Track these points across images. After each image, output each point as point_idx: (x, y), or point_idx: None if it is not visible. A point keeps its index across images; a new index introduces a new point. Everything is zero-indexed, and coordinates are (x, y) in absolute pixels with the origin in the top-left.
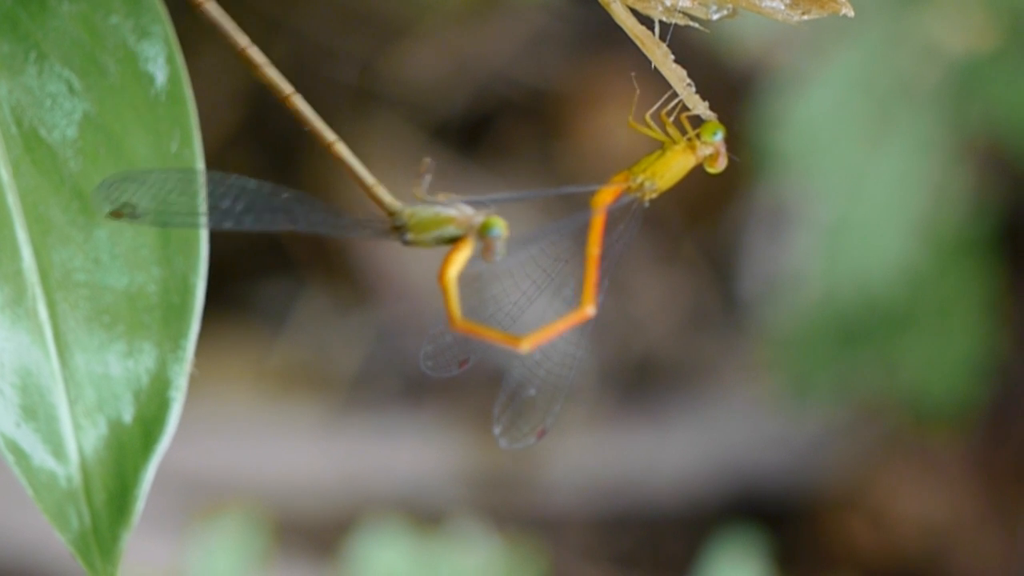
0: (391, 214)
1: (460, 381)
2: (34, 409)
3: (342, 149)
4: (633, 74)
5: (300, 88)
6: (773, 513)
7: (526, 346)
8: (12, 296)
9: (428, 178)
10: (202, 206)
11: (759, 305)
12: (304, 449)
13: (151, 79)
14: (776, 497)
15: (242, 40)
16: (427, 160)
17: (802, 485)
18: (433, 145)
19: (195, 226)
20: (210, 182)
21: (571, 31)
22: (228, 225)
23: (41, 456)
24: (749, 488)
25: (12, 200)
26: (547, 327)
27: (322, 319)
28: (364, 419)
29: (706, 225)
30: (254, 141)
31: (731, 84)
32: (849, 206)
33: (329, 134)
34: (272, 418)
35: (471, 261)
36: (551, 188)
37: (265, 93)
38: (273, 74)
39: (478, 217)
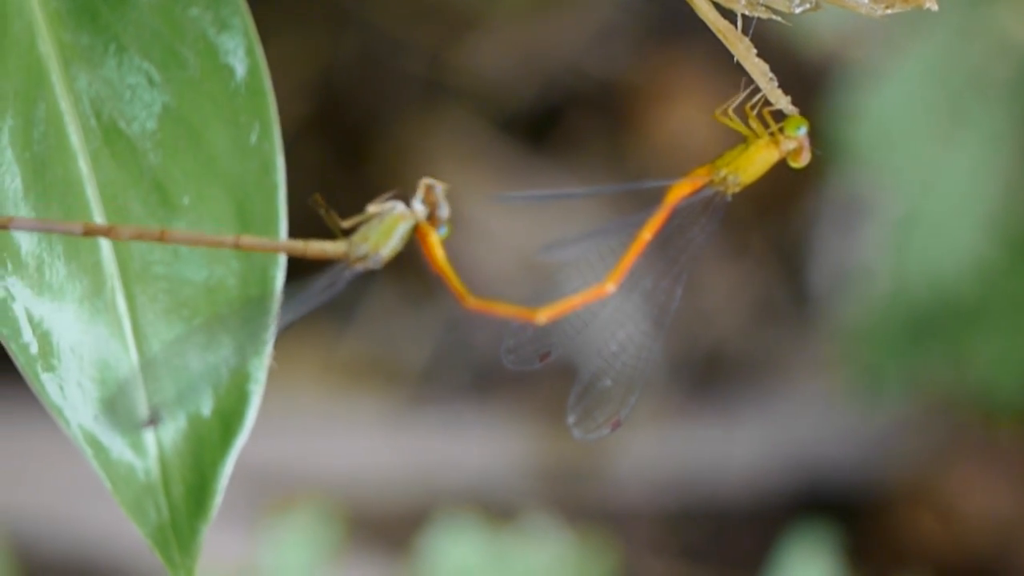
0: (346, 254)
1: (529, 374)
2: None
3: (249, 240)
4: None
5: (369, 80)
6: (841, 508)
7: (543, 317)
8: (91, 288)
9: (324, 210)
10: (206, 365)
11: (829, 299)
12: (373, 443)
13: (231, 72)
14: (845, 492)
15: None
16: (318, 196)
17: (871, 480)
18: (502, 138)
19: (205, 394)
20: (193, 347)
21: (639, 23)
22: (236, 364)
23: (119, 449)
24: (817, 482)
25: (91, 192)
26: (564, 300)
27: (391, 312)
28: (433, 412)
29: (776, 218)
30: (323, 133)
31: (805, 77)
32: (921, 200)
33: (228, 239)
34: (340, 411)
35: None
36: (623, 183)
37: (335, 84)
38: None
39: (415, 201)
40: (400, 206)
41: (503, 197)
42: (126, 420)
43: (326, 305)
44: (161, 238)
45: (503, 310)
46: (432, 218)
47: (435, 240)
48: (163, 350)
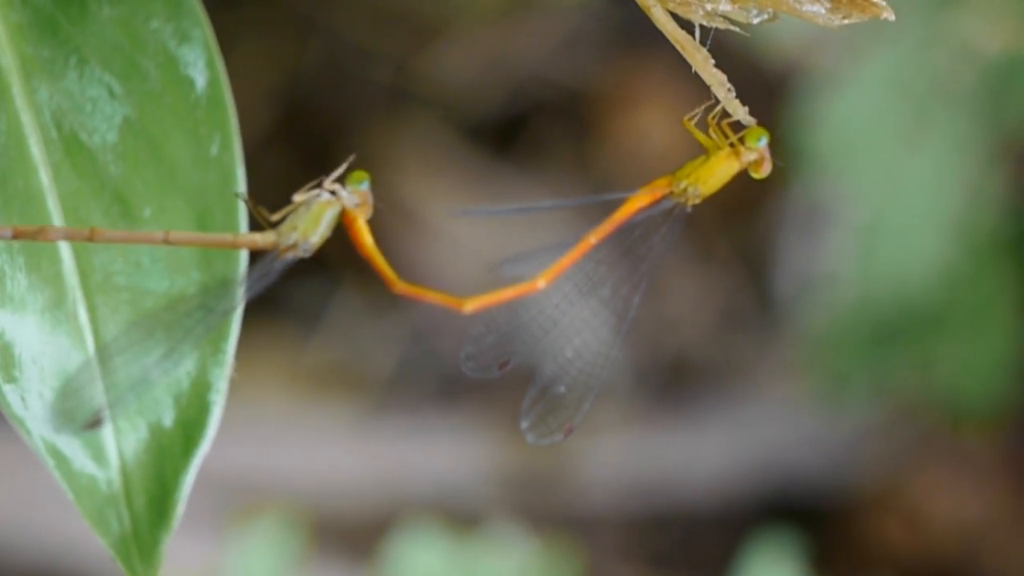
0: (275, 244)
1: (494, 382)
2: None
3: (177, 236)
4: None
5: (335, 87)
6: (808, 513)
7: (469, 307)
8: (52, 299)
9: (251, 204)
10: (149, 361)
11: (794, 305)
12: (338, 450)
13: (191, 83)
14: (811, 497)
15: None
16: (241, 192)
17: (837, 485)
18: (468, 145)
19: (153, 382)
20: (128, 348)
21: (606, 31)
22: (174, 366)
23: (81, 460)
24: (784, 488)
25: (52, 204)
26: (493, 292)
27: (356, 319)
28: (399, 420)
29: (741, 224)
30: (288, 140)
31: (766, 85)
32: (885, 206)
33: (158, 235)
34: (306, 419)
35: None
36: (587, 192)
37: (301, 92)
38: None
39: (340, 188)
40: (325, 194)
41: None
42: (70, 422)
43: (292, 312)
44: (91, 237)
45: (431, 296)
46: (363, 203)
47: (362, 225)
48: (100, 351)
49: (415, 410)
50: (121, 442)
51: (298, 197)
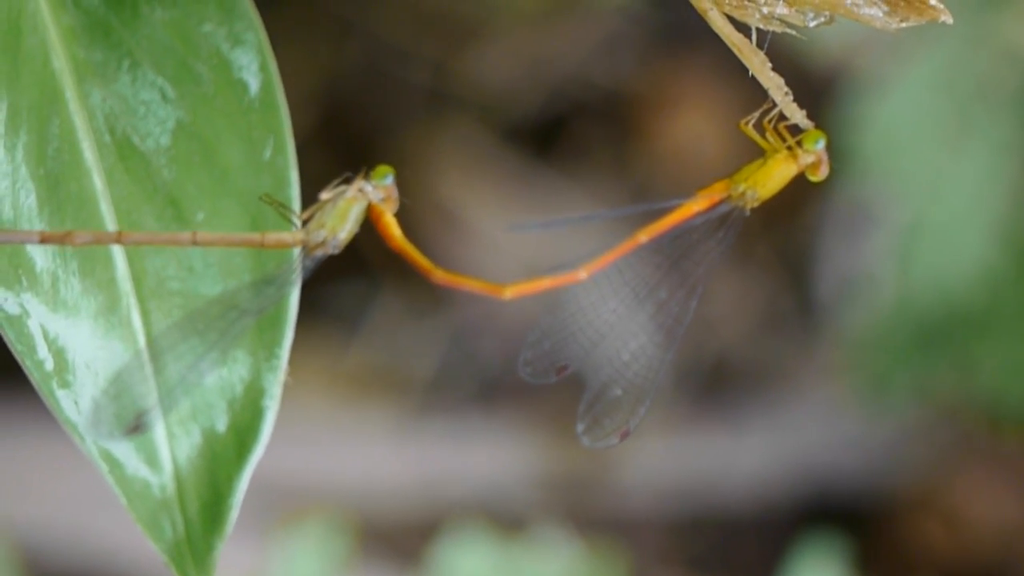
0: (304, 241)
1: (535, 384)
2: None
3: (205, 236)
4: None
5: (373, 89)
6: (848, 516)
7: (508, 294)
8: (106, 304)
9: (276, 205)
10: (183, 366)
11: (835, 307)
12: (381, 453)
13: (245, 87)
14: (851, 500)
15: None
16: (267, 194)
17: (877, 487)
18: (506, 147)
19: (194, 384)
20: (167, 352)
21: (645, 33)
22: (212, 363)
23: (135, 465)
24: (824, 491)
25: (106, 208)
26: (534, 280)
27: (397, 322)
28: (440, 423)
29: (782, 226)
30: (328, 144)
31: (812, 86)
32: (927, 208)
33: (184, 236)
34: (348, 423)
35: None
36: (626, 196)
37: (339, 94)
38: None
39: (364, 183)
40: (350, 190)
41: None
42: (111, 426)
43: (333, 316)
44: (118, 240)
45: (469, 284)
46: (387, 199)
47: (390, 219)
48: (139, 355)
49: (457, 413)
50: (175, 447)
51: (324, 195)
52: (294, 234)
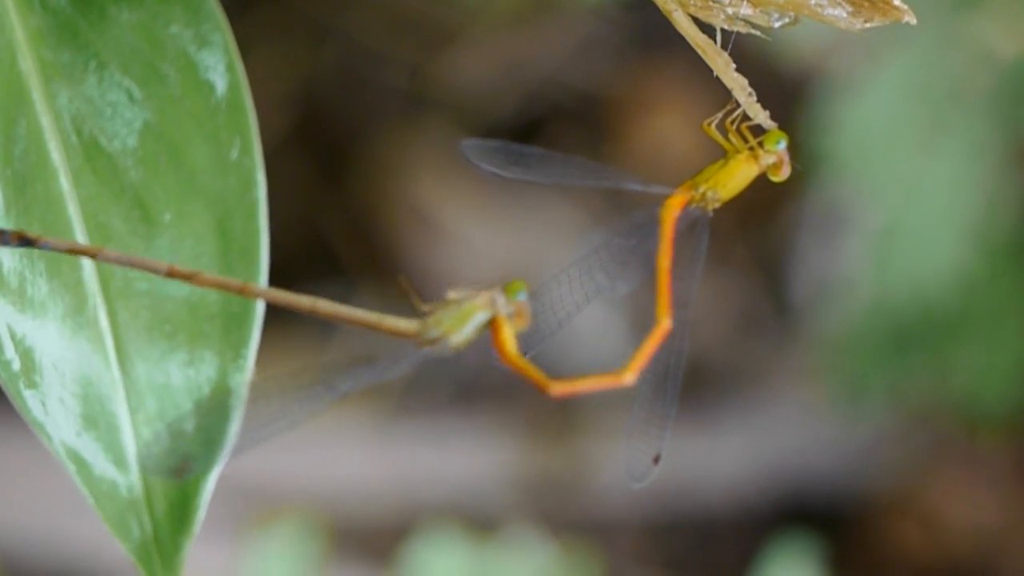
0: (416, 334)
1: (511, 386)
2: (95, 418)
3: (327, 305)
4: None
5: (350, 92)
6: (824, 517)
7: (629, 377)
8: (73, 305)
9: (408, 287)
10: (250, 426)
11: (811, 309)
12: (356, 455)
13: (211, 88)
14: (828, 501)
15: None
16: (402, 276)
17: (854, 489)
18: None
19: (252, 446)
20: (248, 403)
21: (621, 35)
22: (285, 427)
23: (102, 465)
24: (800, 492)
25: (73, 209)
26: (637, 352)
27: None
28: (416, 425)
29: (757, 229)
30: (303, 147)
31: (784, 88)
32: (902, 210)
33: (305, 301)
34: (323, 424)
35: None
36: (602, 196)
37: (315, 97)
38: (216, 280)
39: (496, 292)
40: (481, 297)
41: (485, 168)
42: (160, 466)
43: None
44: (243, 291)
45: (589, 385)
46: (518, 314)
47: (509, 335)
48: (203, 404)
49: (433, 415)
50: (142, 448)
51: (452, 294)
52: (410, 324)
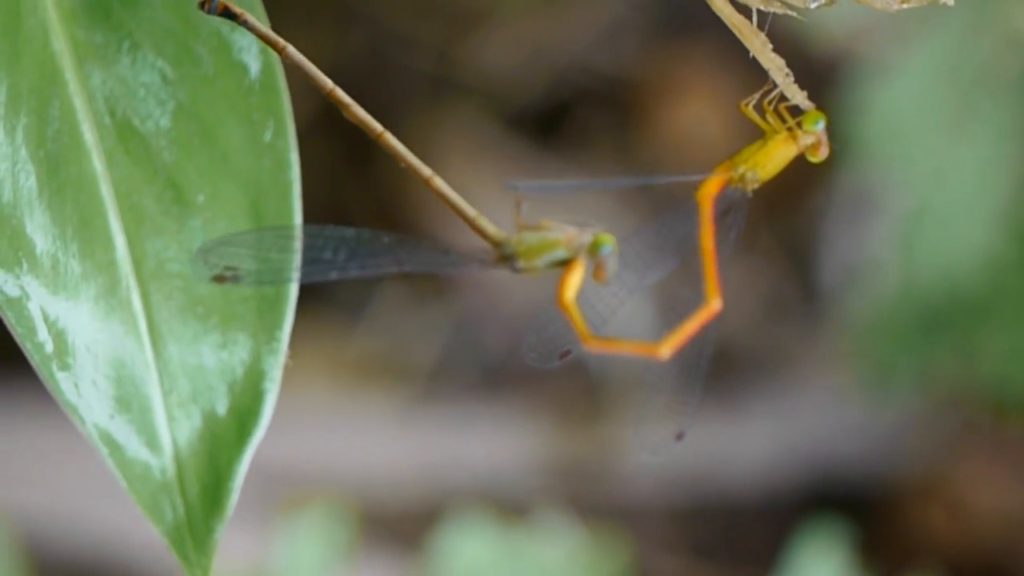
0: (497, 244)
1: (537, 371)
2: (128, 400)
3: (440, 184)
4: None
5: (377, 76)
6: (852, 503)
7: (665, 351)
8: (106, 286)
9: (525, 207)
10: (303, 261)
11: (838, 294)
12: (383, 440)
13: (245, 69)
14: (855, 487)
15: (327, 83)
16: (519, 192)
17: (881, 475)
18: (510, 134)
19: (299, 281)
20: (308, 236)
21: (648, 18)
22: (334, 275)
23: (135, 447)
24: (828, 478)
25: (105, 190)
26: (679, 329)
27: (400, 310)
28: (443, 410)
29: (785, 213)
30: (331, 130)
31: (815, 71)
32: (930, 194)
33: (425, 170)
34: (351, 410)
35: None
36: (640, 177)
37: (343, 81)
38: (362, 114)
39: (586, 236)
40: (569, 233)
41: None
42: (202, 266)
43: (335, 303)
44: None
45: (624, 347)
46: (598, 266)
47: (575, 281)
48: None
49: (459, 400)
50: (175, 430)
51: (546, 220)
52: (498, 232)
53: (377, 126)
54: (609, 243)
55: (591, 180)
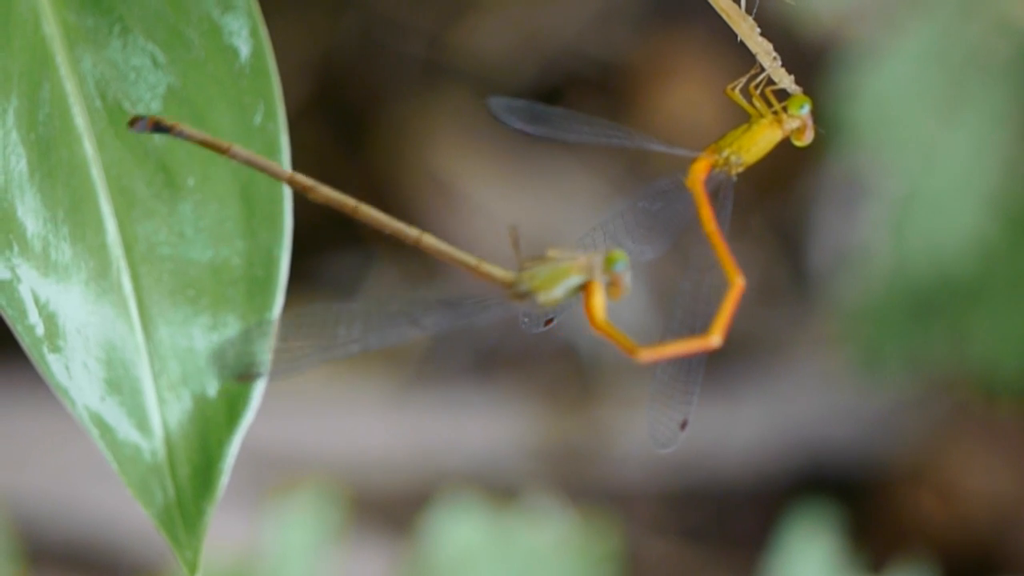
0: (508, 285)
1: (530, 354)
2: (118, 383)
3: (432, 241)
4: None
5: (368, 61)
6: (842, 487)
7: (716, 339)
8: (97, 269)
9: (519, 243)
10: (324, 342)
11: (829, 278)
12: (375, 424)
13: (235, 52)
14: (846, 471)
15: (284, 173)
16: (514, 227)
17: (872, 459)
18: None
19: (320, 363)
20: (313, 318)
21: (639, 3)
22: (356, 350)
23: (126, 430)
24: (818, 462)
25: (96, 173)
26: (719, 313)
27: (392, 292)
28: (435, 393)
29: (776, 197)
30: (323, 115)
31: (804, 56)
32: (921, 178)
33: (412, 231)
34: (342, 393)
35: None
36: (620, 166)
37: (335, 65)
38: (331, 192)
39: (597, 257)
40: (580, 259)
41: (494, 102)
42: (225, 372)
43: (327, 286)
44: (356, 212)
45: (676, 350)
46: (613, 283)
47: (600, 302)
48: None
49: (451, 384)
50: (165, 412)
51: (552, 252)
52: (506, 273)
53: (350, 201)
54: (623, 259)
55: (577, 116)
